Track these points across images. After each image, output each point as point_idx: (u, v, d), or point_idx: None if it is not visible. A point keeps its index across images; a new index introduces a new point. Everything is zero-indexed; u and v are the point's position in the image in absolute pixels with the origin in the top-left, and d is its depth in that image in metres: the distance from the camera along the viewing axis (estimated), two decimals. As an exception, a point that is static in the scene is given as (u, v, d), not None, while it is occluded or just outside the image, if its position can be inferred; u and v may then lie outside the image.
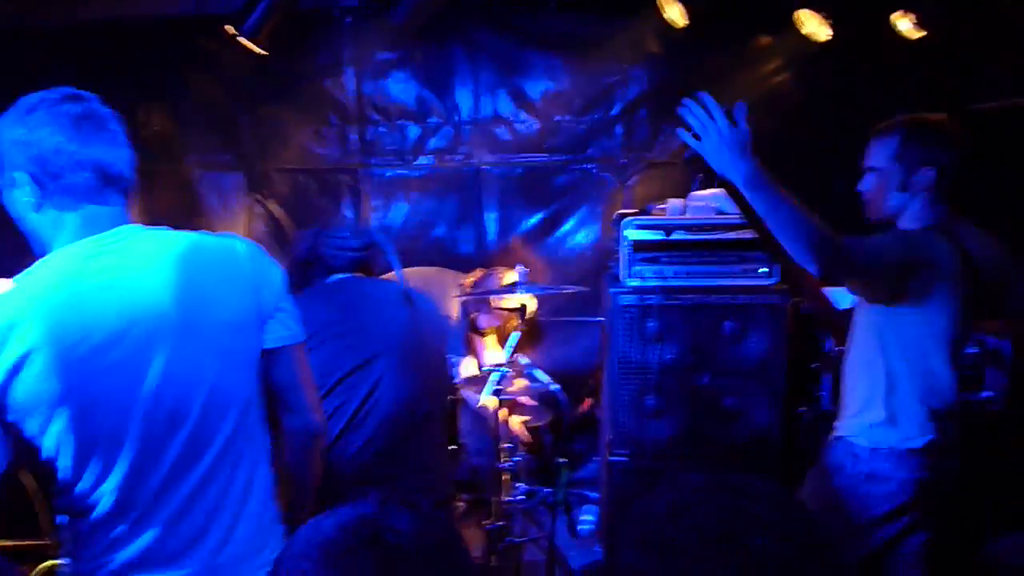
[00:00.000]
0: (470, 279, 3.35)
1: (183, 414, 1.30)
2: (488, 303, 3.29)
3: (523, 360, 2.74)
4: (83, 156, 1.28)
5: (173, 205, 3.67)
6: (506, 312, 3.26)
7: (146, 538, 1.29)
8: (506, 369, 2.63)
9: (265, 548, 1.41)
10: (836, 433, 2.14)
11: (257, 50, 3.23)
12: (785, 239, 1.72)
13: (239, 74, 3.54)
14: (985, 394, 2.83)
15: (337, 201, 3.78)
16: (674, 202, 2.97)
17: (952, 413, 2.00)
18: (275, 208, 3.76)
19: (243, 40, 3.18)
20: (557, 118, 3.59)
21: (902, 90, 3.31)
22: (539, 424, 3.18)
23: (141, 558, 1.30)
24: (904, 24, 3.00)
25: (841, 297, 2.31)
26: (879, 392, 2.02)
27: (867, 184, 2.07)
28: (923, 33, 2.96)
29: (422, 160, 3.67)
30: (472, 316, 3.38)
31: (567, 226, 3.64)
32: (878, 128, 2.04)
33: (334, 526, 0.93)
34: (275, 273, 1.47)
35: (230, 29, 3.16)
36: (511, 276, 2.98)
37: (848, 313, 2.19)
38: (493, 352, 3.46)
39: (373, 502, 0.96)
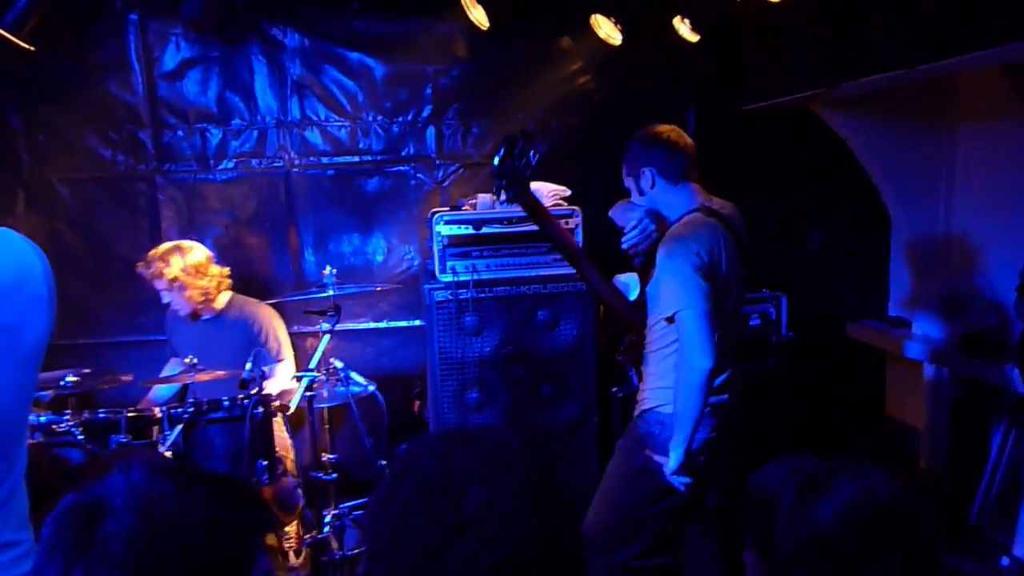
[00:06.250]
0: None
1: None
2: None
3: (338, 364, 2.65)
4: None
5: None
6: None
7: None
8: (316, 374, 2.54)
9: None
10: (643, 406, 2.22)
11: (22, 45, 2.90)
12: None
13: (5, 72, 3.17)
14: (770, 361, 3.13)
15: (133, 212, 3.48)
16: (483, 197, 3.03)
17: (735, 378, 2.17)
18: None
19: (4, 34, 2.84)
20: (369, 119, 3.53)
21: (685, 90, 3.61)
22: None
23: None
24: (683, 28, 3.25)
25: (634, 285, 2.44)
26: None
27: None
28: (698, 37, 3.23)
29: (225, 165, 3.47)
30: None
31: (384, 229, 3.58)
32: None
33: None
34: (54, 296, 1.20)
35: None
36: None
37: (640, 303, 2.29)
38: None
39: None
